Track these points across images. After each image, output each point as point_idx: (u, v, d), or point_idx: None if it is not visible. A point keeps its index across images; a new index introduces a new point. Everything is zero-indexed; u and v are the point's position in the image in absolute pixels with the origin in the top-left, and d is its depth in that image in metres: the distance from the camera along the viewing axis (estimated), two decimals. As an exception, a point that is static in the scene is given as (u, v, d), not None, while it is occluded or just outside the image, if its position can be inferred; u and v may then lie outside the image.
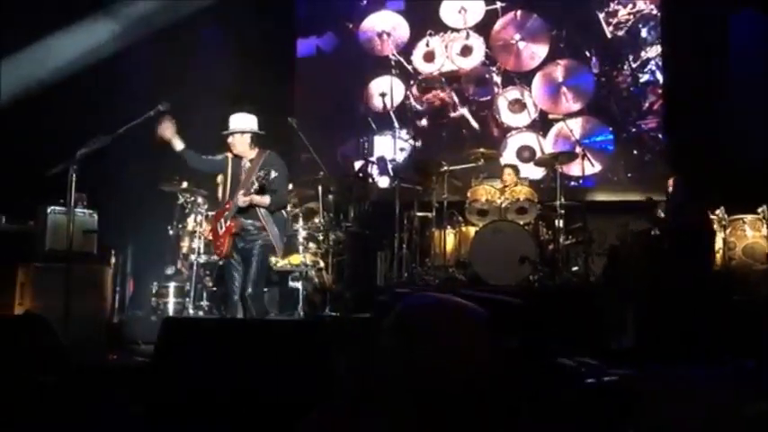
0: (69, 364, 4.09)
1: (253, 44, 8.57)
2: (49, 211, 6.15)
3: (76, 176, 5.14)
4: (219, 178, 5.75)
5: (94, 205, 6.39)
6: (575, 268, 7.17)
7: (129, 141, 5.59)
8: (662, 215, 6.03)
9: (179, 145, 5.49)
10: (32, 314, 5.10)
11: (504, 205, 7.12)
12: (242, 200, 5.26)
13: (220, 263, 5.90)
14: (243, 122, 5.50)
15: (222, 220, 5.44)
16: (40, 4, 7.05)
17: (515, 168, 7.72)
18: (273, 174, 5.16)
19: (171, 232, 7.08)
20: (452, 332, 1.55)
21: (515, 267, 6.54)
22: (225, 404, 3.66)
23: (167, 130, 5.43)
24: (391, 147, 9.01)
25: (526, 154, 8.80)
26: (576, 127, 8.40)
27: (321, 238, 7.07)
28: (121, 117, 5.53)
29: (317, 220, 7.09)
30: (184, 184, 6.94)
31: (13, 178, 6.62)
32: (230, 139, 5.47)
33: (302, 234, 6.91)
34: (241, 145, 5.46)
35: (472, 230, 7.09)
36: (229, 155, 5.55)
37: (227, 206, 5.42)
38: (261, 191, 5.26)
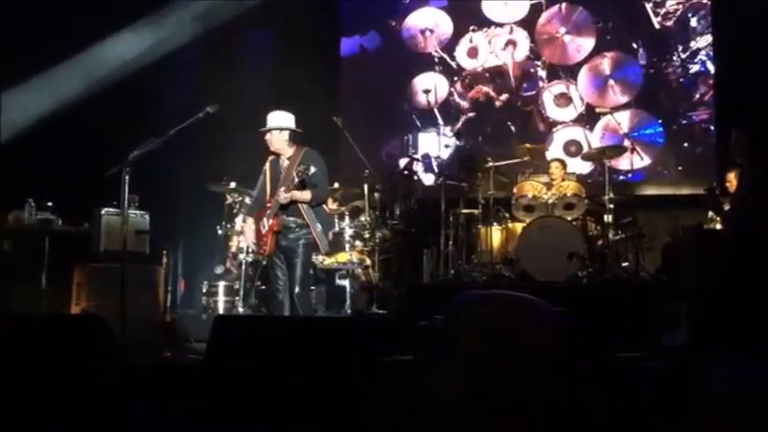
0: (127, 361, 4.19)
1: (297, 44, 8.64)
2: (103, 212, 6.33)
3: (129, 178, 5.26)
4: (260, 178, 5.78)
5: (146, 206, 6.54)
6: (625, 264, 7.05)
7: (179, 143, 5.71)
8: (724, 207, 5.82)
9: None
10: (91, 313, 5.25)
11: (551, 201, 7.04)
12: (283, 196, 5.28)
13: (264, 262, 5.94)
14: (280, 120, 5.52)
15: (264, 219, 5.46)
16: (92, 10, 7.22)
17: (563, 162, 7.62)
18: (313, 169, 5.17)
19: (220, 232, 7.19)
20: (514, 322, 1.53)
21: (564, 263, 6.46)
22: (275, 401, 3.71)
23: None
24: (436, 144, 8.99)
25: (573, 148, 8.69)
26: (623, 120, 8.26)
27: (367, 236, 7.10)
28: (171, 119, 5.64)
29: (363, 219, 7.12)
30: (232, 185, 7.05)
31: (69, 181, 6.80)
32: (267, 137, 5.49)
33: (348, 232, 6.95)
34: (278, 142, 5.48)
35: (519, 227, 7.03)
36: (267, 162, 5.59)
37: (269, 205, 5.45)
38: (301, 186, 5.28)
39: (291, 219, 5.41)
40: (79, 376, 3.81)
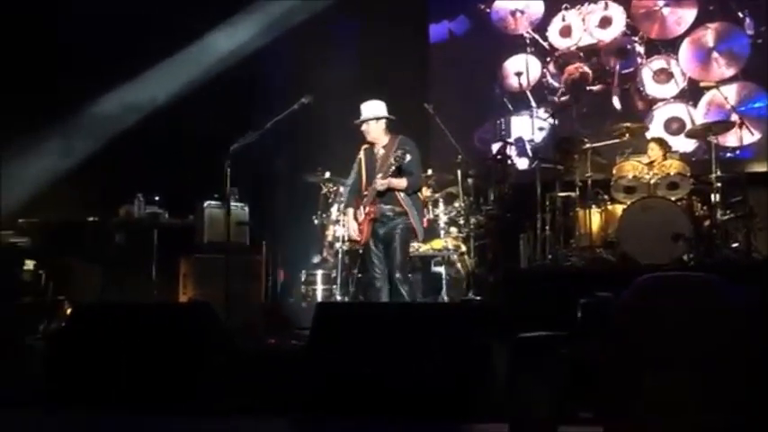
0: (234, 347, 4.34)
1: (386, 33, 8.64)
2: (205, 205, 6.56)
3: (229, 171, 5.42)
4: (354, 167, 5.80)
5: (245, 198, 6.74)
6: (735, 244, 6.70)
7: (275, 135, 5.84)
8: None
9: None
10: (199, 301, 5.46)
11: (653, 181, 6.76)
12: (380, 183, 5.32)
13: (361, 251, 5.95)
14: (376, 109, 5.56)
15: (361, 207, 5.51)
16: (191, 7, 7.49)
17: (661, 143, 7.30)
18: (408, 156, 5.19)
19: (316, 222, 7.31)
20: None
21: (668, 245, 6.20)
22: (376, 385, 3.74)
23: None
24: (529, 127, 8.80)
25: (675, 126, 8.30)
26: (730, 94, 7.81)
27: (462, 222, 7.04)
28: (267, 112, 5.77)
29: (456, 205, 7.06)
30: (327, 175, 7.14)
31: (173, 175, 7.08)
32: (364, 127, 5.53)
33: (443, 219, 6.91)
34: (375, 132, 5.52)
35: (619, 209, 6.79)
36: (361, 152, 5.62)
37: (366, 193, 5.49)
38: (398, 173, 5.30)
39: (389, 206, 5.43)
40: (190, 361, 3.97)
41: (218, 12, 8.00)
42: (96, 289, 6.12)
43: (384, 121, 5.52)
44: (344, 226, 6.75)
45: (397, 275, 5.33)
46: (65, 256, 6.14)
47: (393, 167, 5.24)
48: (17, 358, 4.44)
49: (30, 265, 5.94)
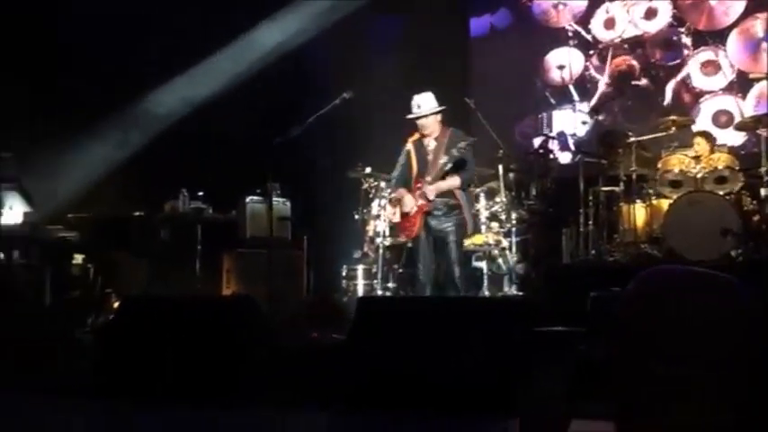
0: (276, 341, 4.38)
1: (427, 27, 8.61)
2: (247, 200, 6.63)
3: (273, 166, 5.47)
4: (400, 159, 5.77)
5: (286, 193, 6.79)
6: (786, 240, 6.52)
7: (317, 130, 5.87)
8: None
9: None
10: (243, 296, 5.53)
11: (700, 175, 6.62)
12: (429, 189, 5.30)
13: (409, 244, 5.92)
14: (431, 102, 5.52)
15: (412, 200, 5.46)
16: (236, 4, 7.58)
17: (707, 136, 7.14)
18: (462, 151, 5.19)
19: (356, 217, 7.33)
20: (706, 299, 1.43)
21: (716, 241, 6.07)
22: (417, 380, 3.74)
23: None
24: (572, 121, 8.69)
25: (723, 119, 8.11)
26: (781, 85, 7.61)
27: (503, 217, 6.98)
28: (309, 107, 5.80)
29: (498, 200, 7.01)
30: (368, 170, 7.14)
31: (216, 171, 7.18)
32: (422, 121, 5.48)
33: (484, 213, 6.86)
34: (432, 125, 5.49)
35: (665, 203, 6.67)
36: (409, 144, 5.58)
37: (418, 185, 5.45)
38: (454, 170, 5.28)
39: (443, 200, 5.40)
40: (233, 355, 4.01)
41: (263, 8, 8.08)
42: (142, 283, 6.24)
43: (440, 113, 5.51)
44: (385, 220, 6.77)
45: (455, 271, 5.30)
46: (112, 251, 6.27)
47: (449, 166, 5.23)
48: (67, 351, 4.54)
49: (78, 259, 6.08)
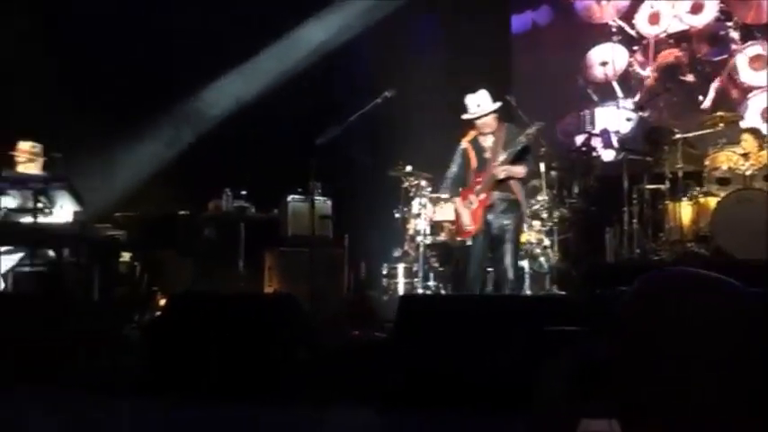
0: (317, 339, 4.42)
1: (467, 25, 8.58)
2: (289, 199, 6.69)
3: (314, 165, 5.51)
4: (455, 158, 5.68)
5: (327, 192, 6.83)
6: (839, 239, 6.32)
7: (358, 129, 5.90)
8: None
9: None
10: (285, 294, 5.58)
11: (749, 172, 6.46)
12: (500, 169, 5.29)
13: (468, 242, 5.76)
14: (489, 100, 5.50)
15: (473, 196, 5.45)
16: (279, 4, 7.67)
17: (756, 133, 6.96)
18: (529, 137, 5.25)
19: (397, 215, 7.34)
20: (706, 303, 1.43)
21: (765, 239, 5.92)
22: (458, 378, 3.73)
23: None
24: (615, 118, 8.56)
25: (773, 115, 7.92)
26: (833, 80, 7.39)
27: (545, 215, 6.92)
28: (350, 106, 5.83)
29: (540, 198, 6.95)
30: (408, 168, 7.14)
31: (259, 170, 7.26)
32: (483, 120, 5.45)
33: (526, 212, 6.81)
34: (492, 123, 5.48)
35: (712, 201, 6.53)
36: (464, 142, 5.56)
37: (479, 180, 5.42)
38: (517, 160, 5.29)
39: (503, 194, 5.39)
40: (276, 352, 4.07)
41: (305, 8, 8.15)
42: (187, 281, 6.34)
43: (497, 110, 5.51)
44: (425, 219, 6.76)
45: (510, 269, 5.28)
46: (158, 249, 6.38)
47: (511, 156, 5.22)
48: (115, 347, 4.65)
49: (125, 257, 6.21)
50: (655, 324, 1.50)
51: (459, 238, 6.02)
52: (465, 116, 5.50)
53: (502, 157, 5.32)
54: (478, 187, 5.39)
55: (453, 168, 5.61)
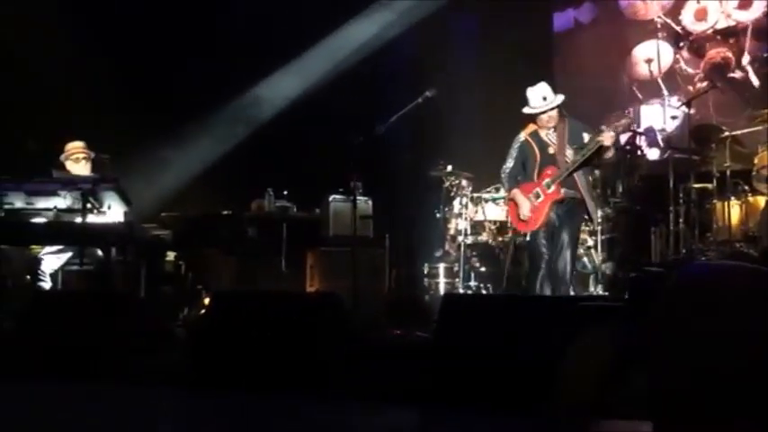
0: (359, 339, 4.44)
1: (509, 23, 8.53)
2: (330, 199, 6.73)
3: (355, 165, 5.54)
4: (512, 152, 5.54)
5: (369, 192, 6.86)
6: None
7: (399, 129, 5.91)
8: None
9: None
10: (329, 293, 5.62)
11: (800, 171, 6.30)
12: (572, 161, 5.20)
13: (527, 238, 5.63)
14: (552, 92, 5.41)
15: (538, 190, 5.32)
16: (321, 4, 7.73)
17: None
18: (597, 145, 5.13)
19: (438, 215, 7.33)
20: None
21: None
22: (502, 378, 3.71)
23: None
24: (660, 116, 8.42)
25: (824, 112, 7.68)
26: None
27: (586, 216, 6.83)
28: (391, 106, 5.84)
29: (582, 198, 6.87)
30: (449, 168, 7.14)
31: (300, 170, 7.33)
32: (549, 114, 5.33)
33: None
34: (556, 115, 5.37)
35: (761, 200, 6.39)
36: (524, 136, 5.44)
37: (548, 173, 5.30)
38: (587, 160, 5.20)
39: (569, 192, 5.30)
40: (319, 351, 4.09)
41: (346, 9, 8.20)
42: (231, 279, 6.42)
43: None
44: (466, 219, 6.74)
45: (569, 269, 5.18)
46: (203, 248, 6.48)
47: (590, 152, 5.14)
48: (163, 343, 4.73)
49: (171, 256, 6.32)
50: (694, 316, 1.47)
51: (519, 231, 5.81)
52: (528, 110, 5.38)
53: (568, 152, 5.26)
54: (548, 180, 5.27)
55: (510, 162, 5.50)
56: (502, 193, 6.97)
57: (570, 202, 5.30)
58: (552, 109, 5.32)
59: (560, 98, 5.37)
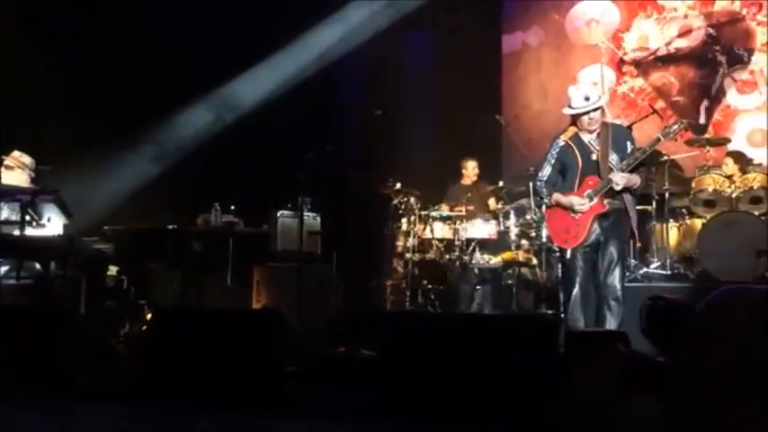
0: (303, 355, 4.42)
1: (459, 44, 8.66)
2: (278, 214, 6.69)
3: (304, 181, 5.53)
4: (550, 158, 4.95)
5: (316, 208, 6.85)
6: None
7: (347, 146, 5.93)
8: None
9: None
10: (272, 309, 5.58)
11: (735, 195, 6.54)
12: (619, 177, 4.63)
13: (569, 254, 4.91)
14: (596, 91, 5.01)
15: (584, 200, 4.78)
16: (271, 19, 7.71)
17: (737, 157, 7.02)
18: (646, 152, 4.73)
19: (386, 232, 7.36)
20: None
21: (751, 262, 5.97)
22: (444, 396, 3.74)
23: None
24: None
25: (758, 138, 8.00)
26: (819, 104, 7.49)
27: (533, 234, 6.96)
28: (340, 123, 5.87)
29: (528, 217, 6.98)
30: (398, 186, 7.18)
31: (248, 185, 7.27)
32: (593, 114, 4.79)
33: (514, 231, 6.85)
34: (599, 118, 4.85)
35: (698, 223, 6.60)
36: (563, 140, 4.88)
37: (590, 183, 4.78)
38: (634, 168, 4.72)
39: (614, 203, 4.78)
40: (263, 367, 4.06)
41: (295, 25, 8.20)
42: (175, 295, 6.31)
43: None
44: (414, 236, 6.78)
45: (619, 286, 4.68)
46: (146, 262, 6.36)
47: (638, 161, 4.68)
48: (103, 360, 4.63)
49: (113, 270, 6.18)
50: (725, 335, 1.49)
51: (561, 246, 5.04)
52: (569, 111, 4.86)
53: (612, 158, 4.73)
54: (590, 191, 4.74)
55: (547, 169, 4.92)
56: (448, 211, 7.07)
57: (614, 213, 4.79)
58: (595, 110, 4.79)
59: (605, 98, 5.01)
